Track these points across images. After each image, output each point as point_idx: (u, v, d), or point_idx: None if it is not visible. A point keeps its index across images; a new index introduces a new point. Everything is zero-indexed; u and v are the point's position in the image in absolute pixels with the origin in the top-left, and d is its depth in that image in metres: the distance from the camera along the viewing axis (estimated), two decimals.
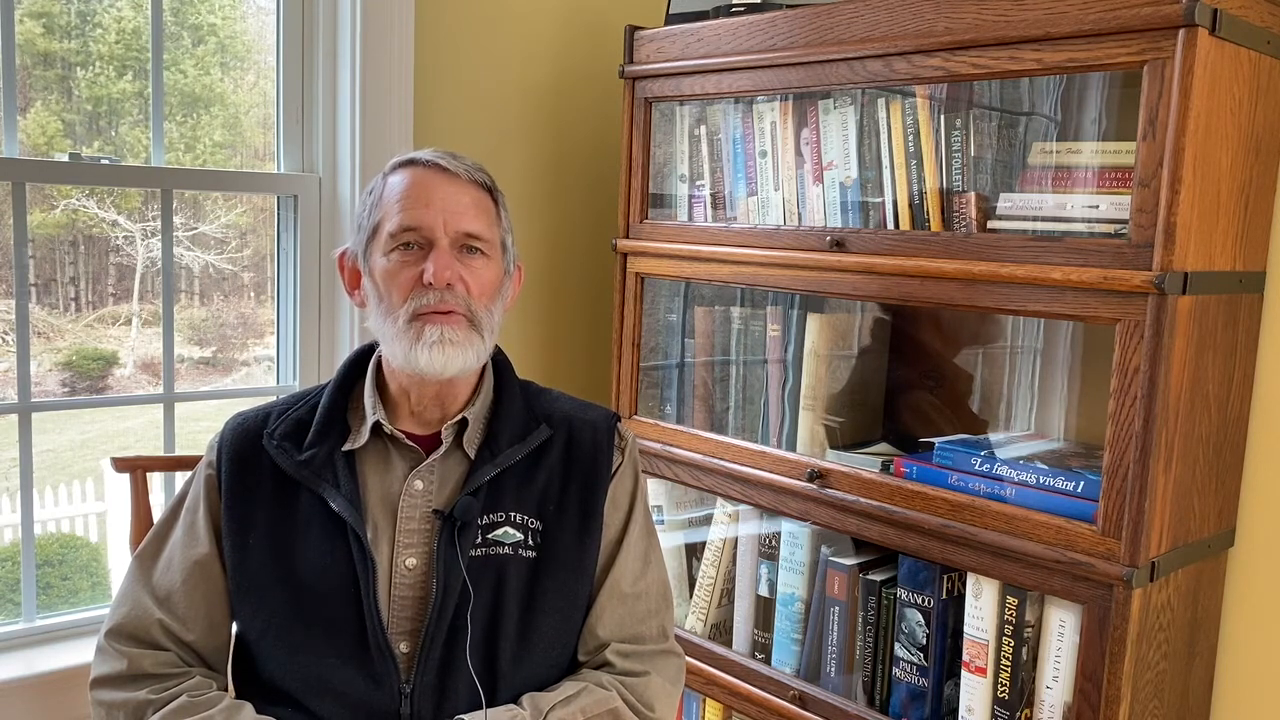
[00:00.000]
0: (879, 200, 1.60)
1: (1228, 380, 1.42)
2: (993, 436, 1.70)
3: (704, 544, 1.91)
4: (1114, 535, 1.30)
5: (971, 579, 1.48)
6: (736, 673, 1.77)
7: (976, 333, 1.79)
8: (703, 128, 1.88)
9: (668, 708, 1.29)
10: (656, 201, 1.93)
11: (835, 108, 1.65)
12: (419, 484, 1.24)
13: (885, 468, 1.59)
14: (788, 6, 1.66)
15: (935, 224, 1.53)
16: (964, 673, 1.49)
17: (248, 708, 1.17)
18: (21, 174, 1.67)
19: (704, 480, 1.82)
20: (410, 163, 1.26)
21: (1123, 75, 1.44)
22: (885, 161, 1.59)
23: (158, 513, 1.35)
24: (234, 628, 1.26)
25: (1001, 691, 1.45)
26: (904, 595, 1.56)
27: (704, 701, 1.90)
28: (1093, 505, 1.34)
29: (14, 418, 1.72)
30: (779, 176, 1.74)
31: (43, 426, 1.81)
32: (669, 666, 1.31)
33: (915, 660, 1.56)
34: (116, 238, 2.66)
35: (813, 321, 1.76)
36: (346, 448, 1.24)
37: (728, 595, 1.88)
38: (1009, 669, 1.44)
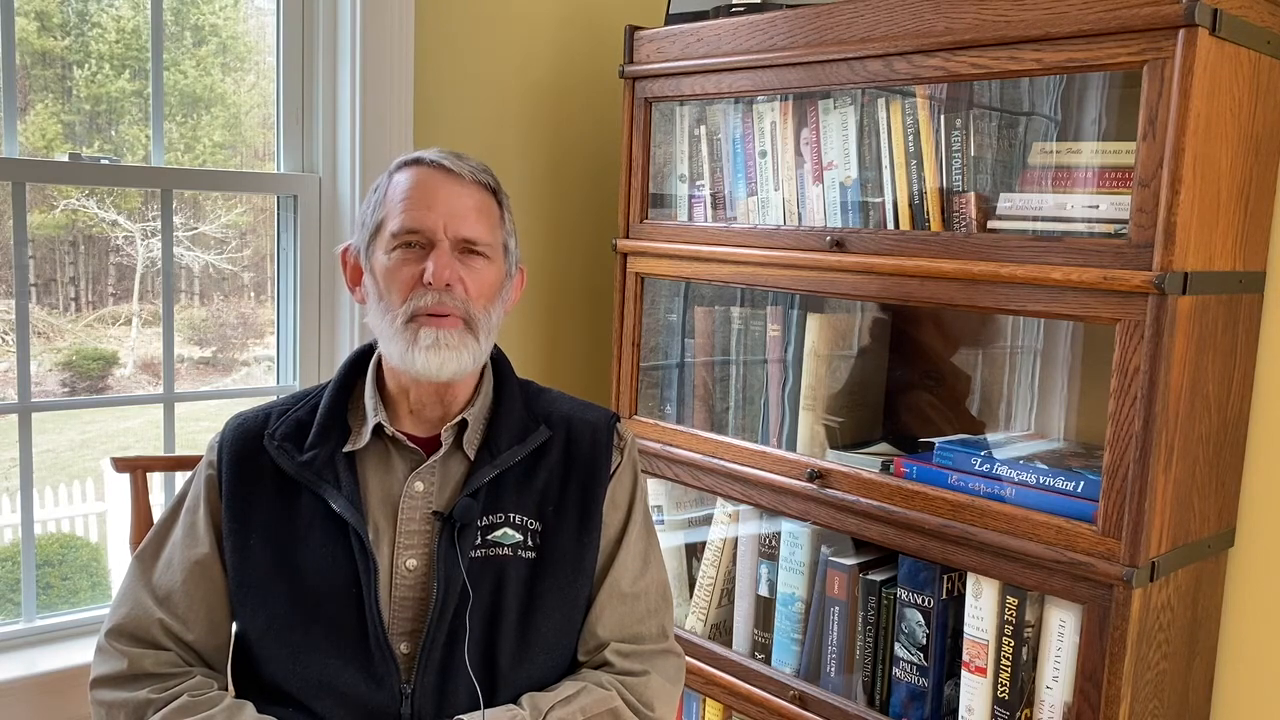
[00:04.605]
0: (879, 200, 1.60)
1: (1228, 380, 1.42)
2: (992, 436, 1.70)
3: (704, 544, 1.91)
4: (1114, 535, 1.30)
5: (971, 579, 1.48)
6: (736, 673, 1.77)
7: (976, 333, 1.79)
8: (703, 128, 1.88)
9: (667, 707, 1.29)
10: (656, 201, 1.93)
11: (835, 108, 1.65)
12: (419, 485, 1.24)
13: (885, 468, 1.59)
14: (788, 6, 1.66)
15: (935, 224, 1.53)
16: (964, 673, 1.49)
17: (249, 707, 1.17)
18: (21, 174, 1.67)
19: (704, 480, 1.82)
20: (415, 162, 1.25)
21: (1123, 75, 1.44)
22: (885, 161, 1.59)
23: (158, 513, 1.35)
24: (234, 628, 1.26)
25: (1001, 691, 1.45)
26: (904, 595, 1.56)
27: (704, 701, 1.90)
28: (1093, 505, 1.34)
29: (14, 418, 1.73)
30: (779, 176, 1.74)
31: (43, 426, 1.82)
32: (669, 666, 1.31)
33: (915, 660, 1.56)
34: (116, 238, 2.67)
35: (813, 321, 1.76)
36: (347, 449, 1.24)
37: (728, 595, 1.88)
38: (1009, 669, 1.44)
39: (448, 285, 1.20)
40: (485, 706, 1.18)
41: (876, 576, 1.62)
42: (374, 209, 1.26)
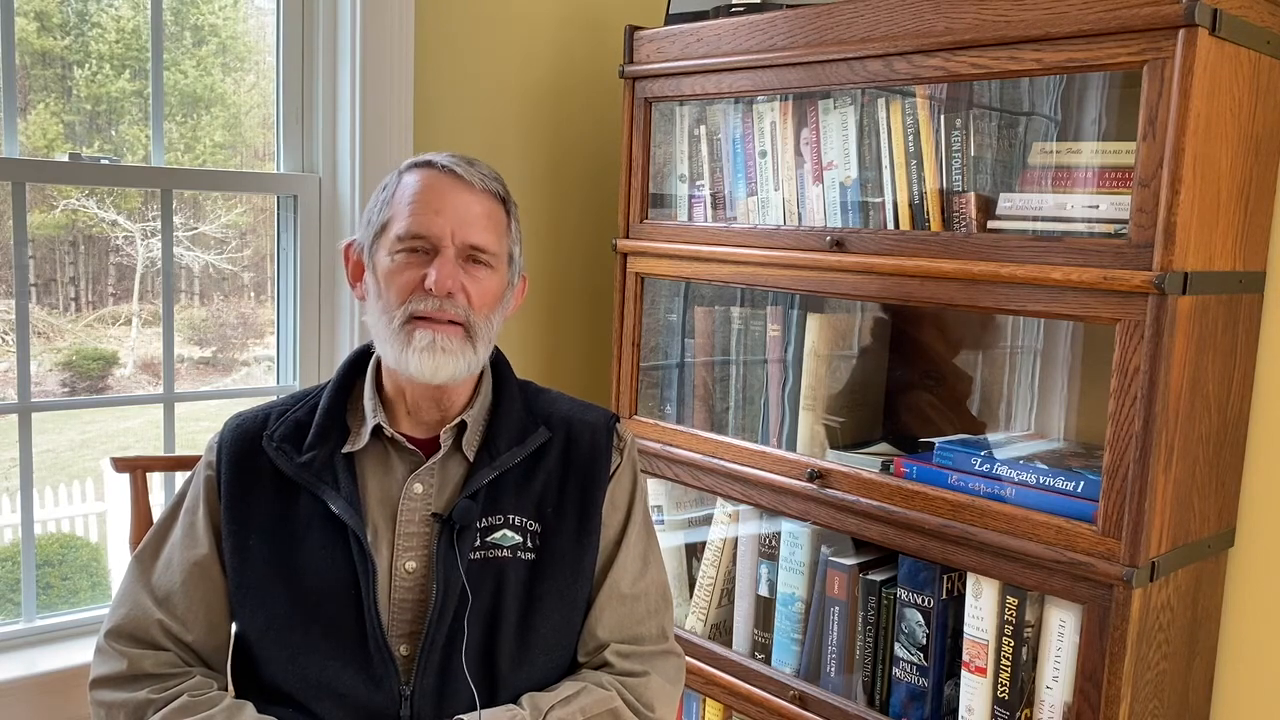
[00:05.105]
0: (879, 200, 1.60)
1: (1228, 380, 1.42)
2: (992, 436, 1.70)
3: (704, 544, 1.91)
4: (1114, 535, 1.30)
5: (971, 579, 1.48)
6: (736, 673, 1.77)
7: (976, 333, 1.79)
8: (703, 128, 1.88)
9: (667, 708, 1.29)
10: (656, 201, 1.93)
11: (835, 108, 1.65)
12: (419, 487, 1.24)
13: (885, 468, 1.59)
14: (788, 6, 1.66)
15: (935, 224, 1.53)
16: (964, 673, 1.49)
17: (249, 708, 1.17)
18: (21, 174, 1.67)
19: (704, 480, 1.82)
20: (426, 165, 1.25)
21: (1123, 75, 1.44)
22: (885, 161, 1.59)
23: (158, 513, 1.35)
24: (233, 628, 1.26)
25: (1001, 691, 1.45)
26: (904, 595, 1.56)
27: (704, 701, 1.90)
28: (1093, 505, 1.34)
29: (14, 418, 1.73)
30: (779, 176, 1.74)
31: (43, 426, 1.81)
32: (669, 666, 1.31)
33: (915, 660, 1.56)
34: (116, 238, 2.67)
35: (813, 321, 1.76)
36: (346, 450, 1.24)
37: (728, 595, 1.88)
38: (1009, 669, 1.44)
39: (449, 293, 1.20)
40: (484, 707, 1.18)
41: (876, 576, 1.62)
42: (380, 208, 1.25)
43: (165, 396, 1.86)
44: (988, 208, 1.49)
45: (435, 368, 1.19)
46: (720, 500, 1.86)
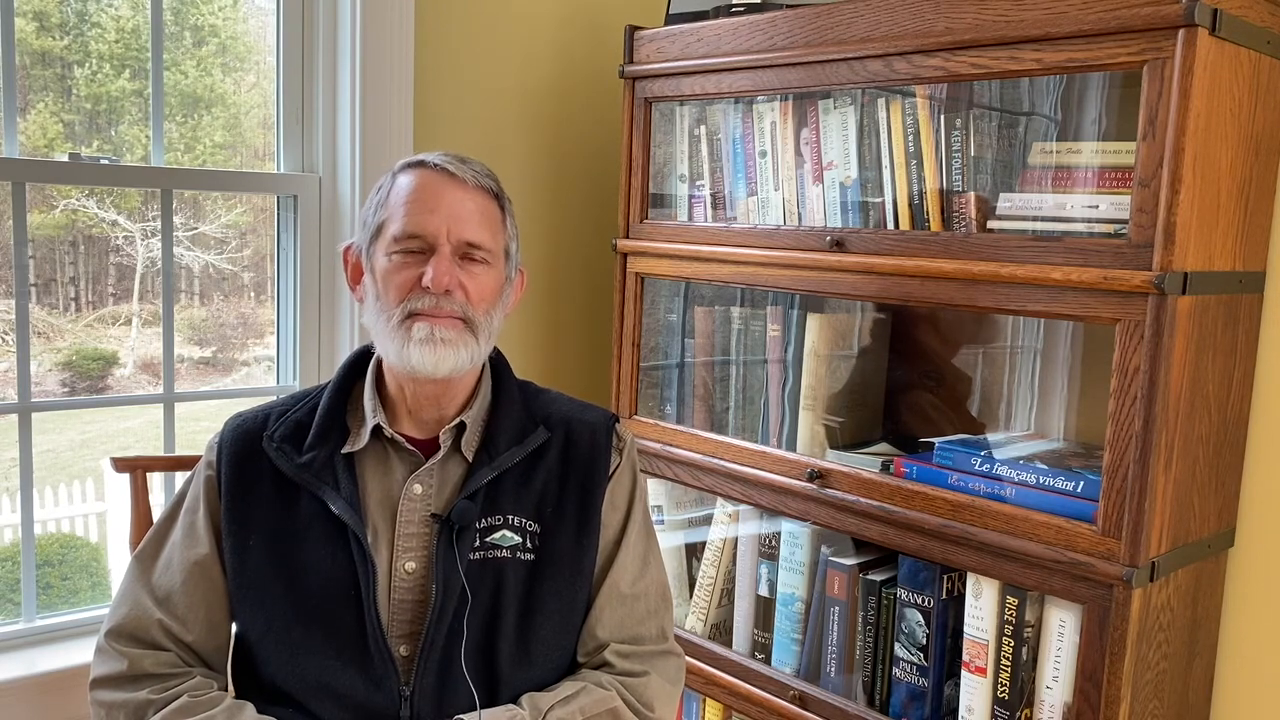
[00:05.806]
0: (879, 200, 1.60)
1: (1228, 380, 1.42)
2: (992, 436, 1.70)
3: (704, 544, 1.91)
4: (1114, 535, 1.30)
5: (971, 579, 1.48)
6: (736, 673, 1.77)
7: (976, 333, 1.79)
8: (703, 128, 1.88)
9: (667, 708, 1.29)
10: (656, 201, 1.93)
11: (835, 108, 1.65)
12: (418, 488, 1.24)
13: (885, 468, 1.59)
14: (788, 6, 1.66)
15: (935, 224, 1.53)
16: (964, 673, 1.49)
17: (249, 708, 1.17)
18: (21, 174, 1.67)
19: (704, 480, 1.82)
20: (419, 164, 1.25)
21: (1123, 75, 1.44)
22: (885, 161, 1.59)
23: (158, 513, 1.35)
24: (233, 628, 1.26)
25: (1001, 691, 1.45)
26: (904, 595, 1.56)
27: (704, 701, 1.90)
28: (1093, 505, 1.34)
29: (14, 418, 1.73)
30: (779, 176, 1.74)
31: (43, 426, 1.81)
32: (668, 666, 1.31)
33: (915, 660, 1.56)
34: (116, 238, 2.67)
35: (813, 321, 1.76)
36: (346, 450, 1.24)
37: (728, 595, 1.88)
38: (1009, 669, 1.44)
39: (447, 291, 1.20)
40: (484, 707, 1.18)
41: (876, 576, 1.62)
42: (376, 210, 1.26)
43: (165, 396, 1.86)
44: (987, 208, 1.49)
45: (437, 360, 1.19)
46: (720, 500, 1.86)
